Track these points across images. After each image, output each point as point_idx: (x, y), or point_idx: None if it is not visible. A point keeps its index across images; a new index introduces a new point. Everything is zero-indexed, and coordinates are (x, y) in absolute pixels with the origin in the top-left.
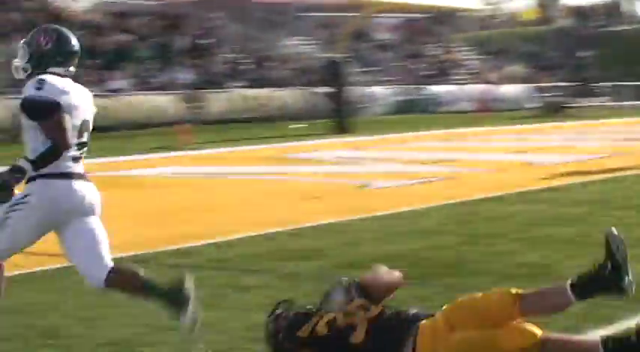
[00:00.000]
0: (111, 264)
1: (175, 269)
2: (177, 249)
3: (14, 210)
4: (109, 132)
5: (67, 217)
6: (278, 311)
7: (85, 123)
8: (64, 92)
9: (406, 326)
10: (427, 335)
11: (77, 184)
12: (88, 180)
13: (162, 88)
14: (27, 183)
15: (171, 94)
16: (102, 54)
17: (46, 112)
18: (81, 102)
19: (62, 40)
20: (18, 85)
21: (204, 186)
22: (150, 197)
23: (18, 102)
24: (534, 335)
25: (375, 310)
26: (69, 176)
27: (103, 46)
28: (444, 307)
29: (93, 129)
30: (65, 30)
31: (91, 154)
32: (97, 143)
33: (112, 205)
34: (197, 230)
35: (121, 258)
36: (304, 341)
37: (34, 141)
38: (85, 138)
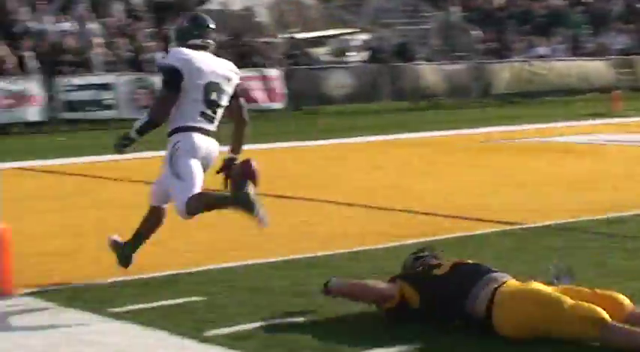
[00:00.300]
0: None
1: (602, 236)
2: (608, 218)
3: (175, 161)
4: (541, 98)
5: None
6: (423, 254)
7: (210, 84)
8: (184, 59)
9: (480, 272)
10: (513, 284)
11: (199, 138)
12: (211, 137)
13: (594, 53)
14: (169, 136)
15: (604, 60)
16: (535, 19)
17: (167, 75)
18: (206, 67)
19: (196, 20)
20: (448, 51)
21: (635, 154)
22: (580, 163)
23: (447, 68)
24: (601, 316)
25: (466, 260)
26: (194, 129)
27: (537, 11)
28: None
29: (525, 95)
30: (202, 14)
31: (520, 121)
32: (529, 110)
33: (542, 170)
34: (629, 198)
35: (549, 226)
36: (404, 277)
37: (177, 105)
38: (213, 97)
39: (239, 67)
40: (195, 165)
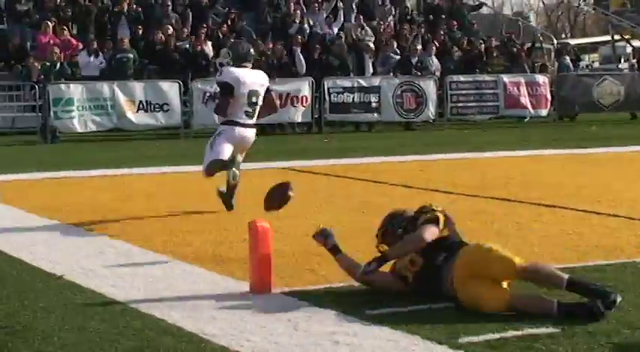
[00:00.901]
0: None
1: None
2: None
3: (216, 138)
4: None
5: (237, 144)
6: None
7: (252, 92)
8: (232, 75)
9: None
10: (460, 258)
11: (242, 130)
12: (251, 127)
13: None
14: (221, 124)
15: None
16: None
17: (222, 88)
18: (248, 80)
19: (242, 48)
20: None
21: None
22: None
23: None
24: (513, 264)
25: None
26: (239, 124)
27: None
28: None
29: None
30: (246, 43)
31: None
32: None
33: None
34: None
35: None
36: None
37: (230, 106)
38: (254, 100)
39: (507, 71)
40: (227, 145)
